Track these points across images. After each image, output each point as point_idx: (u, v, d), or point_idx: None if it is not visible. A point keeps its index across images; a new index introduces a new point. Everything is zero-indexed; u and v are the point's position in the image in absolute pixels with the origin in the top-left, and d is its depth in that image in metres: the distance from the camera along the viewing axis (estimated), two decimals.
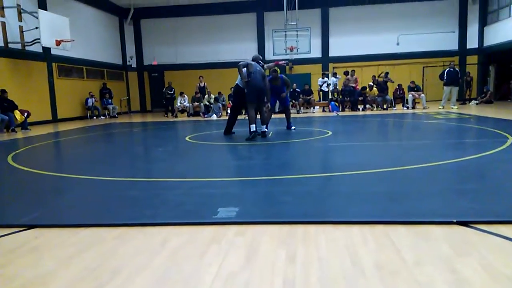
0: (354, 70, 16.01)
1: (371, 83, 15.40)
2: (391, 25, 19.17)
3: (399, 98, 15.54)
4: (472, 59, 18.97)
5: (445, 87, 14.14)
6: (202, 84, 16.06)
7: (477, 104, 16.08)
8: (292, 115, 10.20)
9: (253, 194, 3.47)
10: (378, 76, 16.20)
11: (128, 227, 2.68)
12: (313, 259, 2.07)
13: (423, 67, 19.15)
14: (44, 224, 2.78)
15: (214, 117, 14.68)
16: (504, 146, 5.31)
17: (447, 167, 4.31)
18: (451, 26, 19.13)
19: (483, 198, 3.06)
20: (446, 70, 14.18)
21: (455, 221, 2.49)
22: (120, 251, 2.29)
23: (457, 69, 14.46)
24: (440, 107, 13.83)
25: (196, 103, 15.73)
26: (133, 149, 7.68)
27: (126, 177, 4.37)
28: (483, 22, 18.33)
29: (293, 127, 8.81)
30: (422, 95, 14.98)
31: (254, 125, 7.11)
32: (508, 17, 16.48)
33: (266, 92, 7.41)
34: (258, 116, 7.71)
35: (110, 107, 17.05)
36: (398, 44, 19.12)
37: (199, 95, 15.82)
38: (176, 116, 15.67)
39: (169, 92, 16.39)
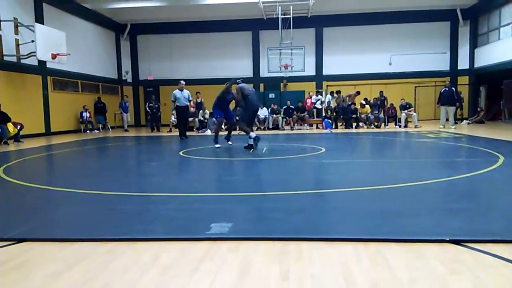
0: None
1: (362, 102, 15.63)
2: (384, 45, 19.52)
3: (392, 116, 15.74)
4: (463, 80, 19.31)
5: (441, 107, 14.25)
6: (199, 100, 16.12)
7: (468, 124, 16.28)
8: (286, 132, 10.29)
9: (247, 210, 3.45)
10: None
11: (119, 242, 2.64)
12: (306, 277, 2.05)
13: (415, 87, 19.42)
14: (33, 238, 2.74)
15: (209, 132, 14.68)
16: (495, 166, 5.36)
17: (439, 185, 4.33)
18: (443, 47, 19.52)
19: (475, 217, 3.08)
20: (442, 90, 14.31)
21: (448, 239, 2.50)
22: (109, 267, 2.26)
23: (453, 88, 14.44)
24: (440, 126, 13.91)
25: (191, 118, 15.74)
26: (126, 163, 7.63)
27: (118, 191, 4.33)
28: (474, 44, 18.76)
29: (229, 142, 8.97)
30: (414, 114, 15.17)
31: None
32: (497, 40, 16.88)
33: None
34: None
35: (102, 119, 17.10)
36: (390, 64, 19.44)
37: (194, 110, 15.85)
38: (158, 131, 15.70)
39: (150, 105, 16.35)
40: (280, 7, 17.29)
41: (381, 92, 16.54)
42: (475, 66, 18.70)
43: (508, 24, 16.01)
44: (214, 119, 15.28)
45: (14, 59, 12.68)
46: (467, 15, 18.75)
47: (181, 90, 11.72)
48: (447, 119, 14.08)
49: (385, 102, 16.11)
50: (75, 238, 2.71)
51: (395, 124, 15.45)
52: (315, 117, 16.55)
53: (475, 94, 19.20)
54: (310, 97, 16.79)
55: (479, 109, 17.43)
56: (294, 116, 15.50)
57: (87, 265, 2.28)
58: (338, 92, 16.44)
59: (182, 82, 11.97)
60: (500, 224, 2.91)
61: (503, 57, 15.95)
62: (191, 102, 12.36)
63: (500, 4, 16.46)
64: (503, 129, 13.07)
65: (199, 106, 15.99)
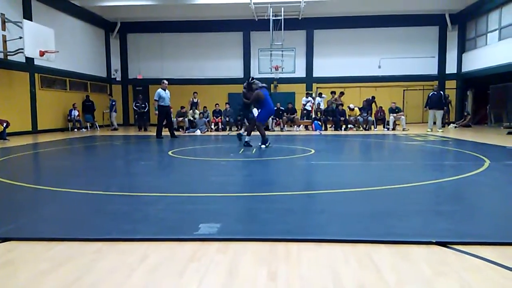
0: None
1: (351, 105, 15.73)
2: (374, 48, 19.70)
3: (380, 119, 15.89)
4: (451, 84, 19.59)
5: (429, 111, 14.42)
6: (195, 100, 16.06)
7: (455, 127, 16.51)
8: (276, 133, 10.32)
9: (235, 211, 3.45)
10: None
11: (106, 242, 2.61)
12: (294, 278, 2.06)
13: (404, 90, 19.64)
14: (18, 237, 2.70)
15: (198, 132, 14.63)
16: (481, 169, 5.44)
17: (426, 188, 4.38)
18: (431, 51, 19.78)
19: (461, 219, 3.12)
20: (430, 94, 14.47)
21: (434, 241, 2.53)
22: (97, 267, 2.23)
23: (441, 92, 14.57)
24: (428, 129, 14.07)
25: (180, 118, 15.67)
26: (115, 162, 7.55)
27: (106, 191, 4.29)
28: (462, 49, 19.04)
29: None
30: (402, 117, 15.33)
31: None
32: (485, 45, 17.16)
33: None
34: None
35: (90, 118, 16.90)
36: (379, 67, 19.63)
37: (184, 110, 15.81)
38: (146, 131, 15.55)
39: (137, 104, 16.22)
40: (271, 9, 17.34)
41: (373, 96, 16.74)
42: (463, 70, 18.98)
43: (495, 29, 16.29)
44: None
45: (1, 55, 12.46)
46: (456, 20, 19.03)
47: (164, 90, 11.75)
48: (434, 123, 14.24)
49: (374, 105, 16.27)
50: (62, 238, 2.68)
51: (384, 127, 15.59)
52: (304, 118, 16.59)
53: (462, 98, 19.49)
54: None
55: (465, 113, 17.69)
56: (284, 117, 15.54)
57: (74, 265, 2.25)
58: (333, 92, 16.51)
59: (165, 81, 12.04)
60: (486, 226, 2.95)
61: (490, 62, 16.22)
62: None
63: (488, 10, 16.74)
64: (489, 133, 13.29)
65: (195, 106, 15.92)
